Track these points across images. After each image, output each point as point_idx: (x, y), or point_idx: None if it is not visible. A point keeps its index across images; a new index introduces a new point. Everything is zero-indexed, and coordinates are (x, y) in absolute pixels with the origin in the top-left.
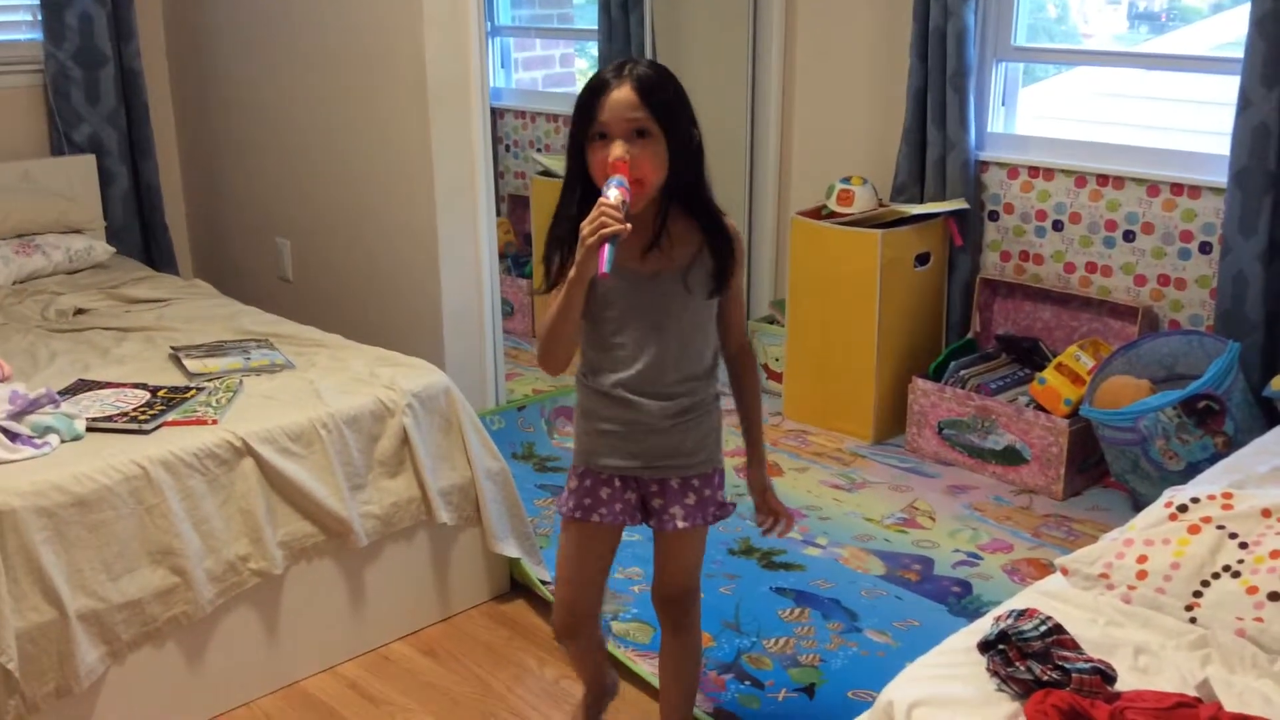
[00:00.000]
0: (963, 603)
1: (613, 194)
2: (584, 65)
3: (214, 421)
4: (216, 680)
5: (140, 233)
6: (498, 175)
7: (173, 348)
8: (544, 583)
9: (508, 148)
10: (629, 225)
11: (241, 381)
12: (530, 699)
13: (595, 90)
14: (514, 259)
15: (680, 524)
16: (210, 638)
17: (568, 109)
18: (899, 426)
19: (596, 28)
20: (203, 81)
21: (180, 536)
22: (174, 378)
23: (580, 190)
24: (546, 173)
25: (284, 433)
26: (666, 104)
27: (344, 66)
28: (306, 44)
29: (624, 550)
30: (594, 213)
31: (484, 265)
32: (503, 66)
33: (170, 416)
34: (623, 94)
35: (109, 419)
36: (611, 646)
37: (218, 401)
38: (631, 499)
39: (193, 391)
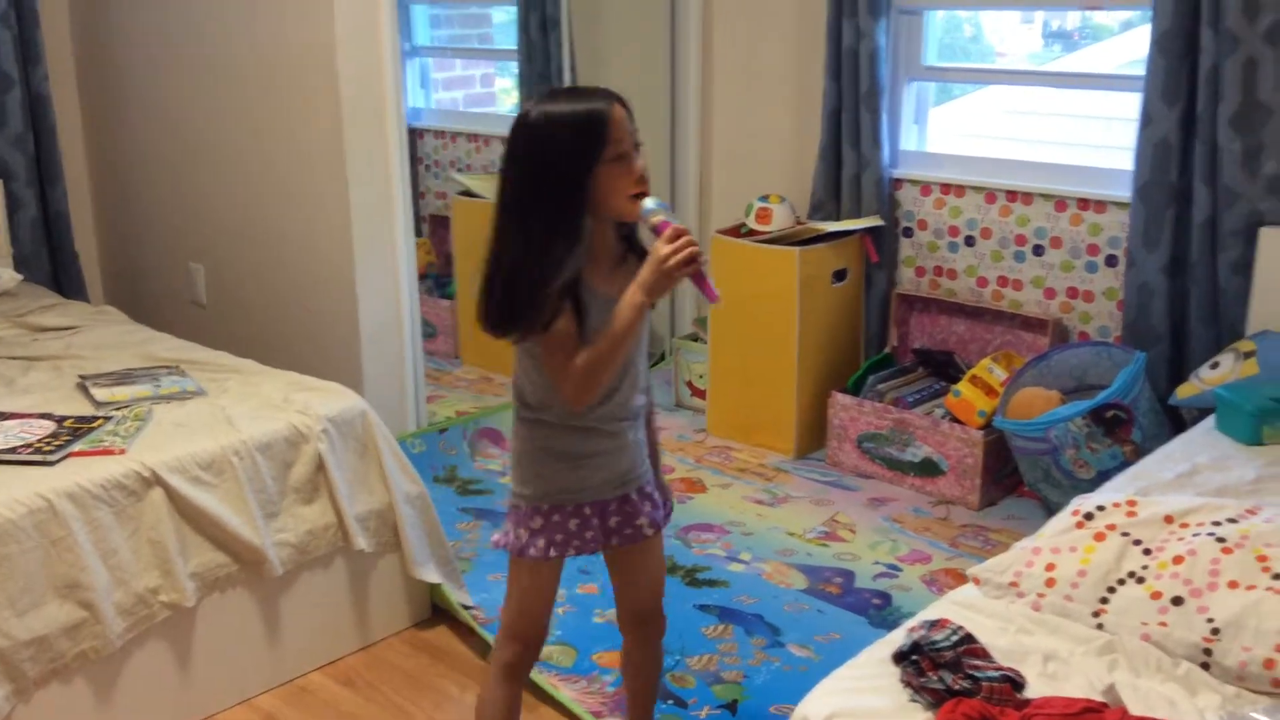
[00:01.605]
0: (883, 614)
1: (666, 216)
2: (506, 84)
3: (122, 451)
4: (127, 717)
5: (49, 259)
6: (418, 196)
7: (80, 376)
8: (466, 607)
9: (428, 168)
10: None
11: (151, 410)
12: None
13: (598, 111)
14: (435, 279)
15: (648, 531)
16: (120, 673)
17: (489, 129)
18: (820, 441)
19: (516, 48)
20: (113, 105)
21: (88, 570)
22: (81, 407)
23: (580, 216)
24: (467, 193)
25: (194, 461)
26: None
27: (256, 88)
28: (218, 67)
29: None
30: (672, 244)
31: (403, 287)
32: (422, 87)
33: (76, 447)
34: (621, 111)
35: (13, 450)
36: (532, 671)
37: (126, 431)
38: (598, 524)
39: (100, 421)
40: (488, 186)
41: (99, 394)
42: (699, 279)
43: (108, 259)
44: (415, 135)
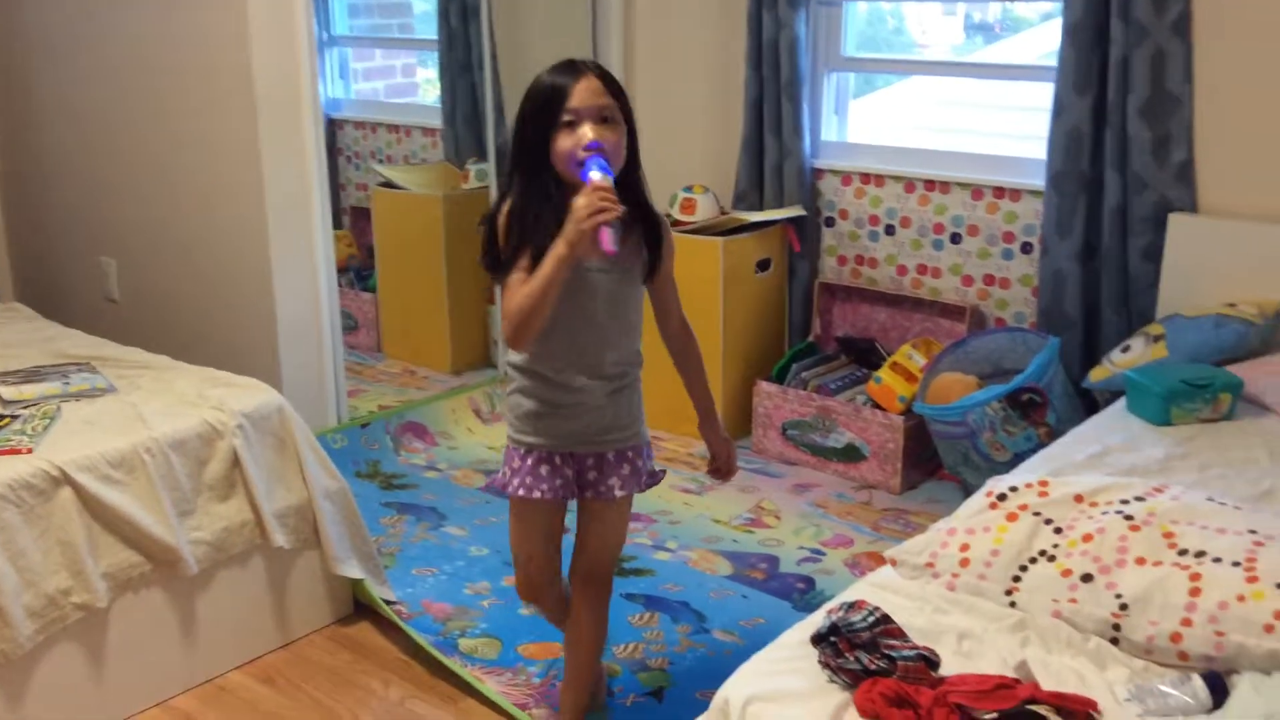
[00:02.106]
0: (806, 598)
1: (597, 175)
2: (429, 74)
3: (29, 450)
4: None
5: None
6: (338, 187)
7: None
8: (389, 603)
9: (349, 159)
10: (623, 207)
11: (60, 408)
12: None
13: (559, 84)
14: (356, 271)
15: (619, 492)
16: (31, 676)
17: (411, 119)
18: (746, 428)
19: (437, 38)
20: (20, 97)
21: None
22: None
23: (549, 178)
24: (389, 184)
25: (105, 460)
26: (621, 95)
27: (168, 79)
28: (128, 56)
29: (474, 565)
30: (588, 197)
31: (321, 279)
32: (341, 77)
33: None
34: (590, 83)
35: None
36: (456, 664)
37: (33, 429)
38: (569, 474)
39: (6, 420)
40: (409, 177)
41: (6, 392)
42: (602, 231)
43: (16, 255)
44: (335, 126)
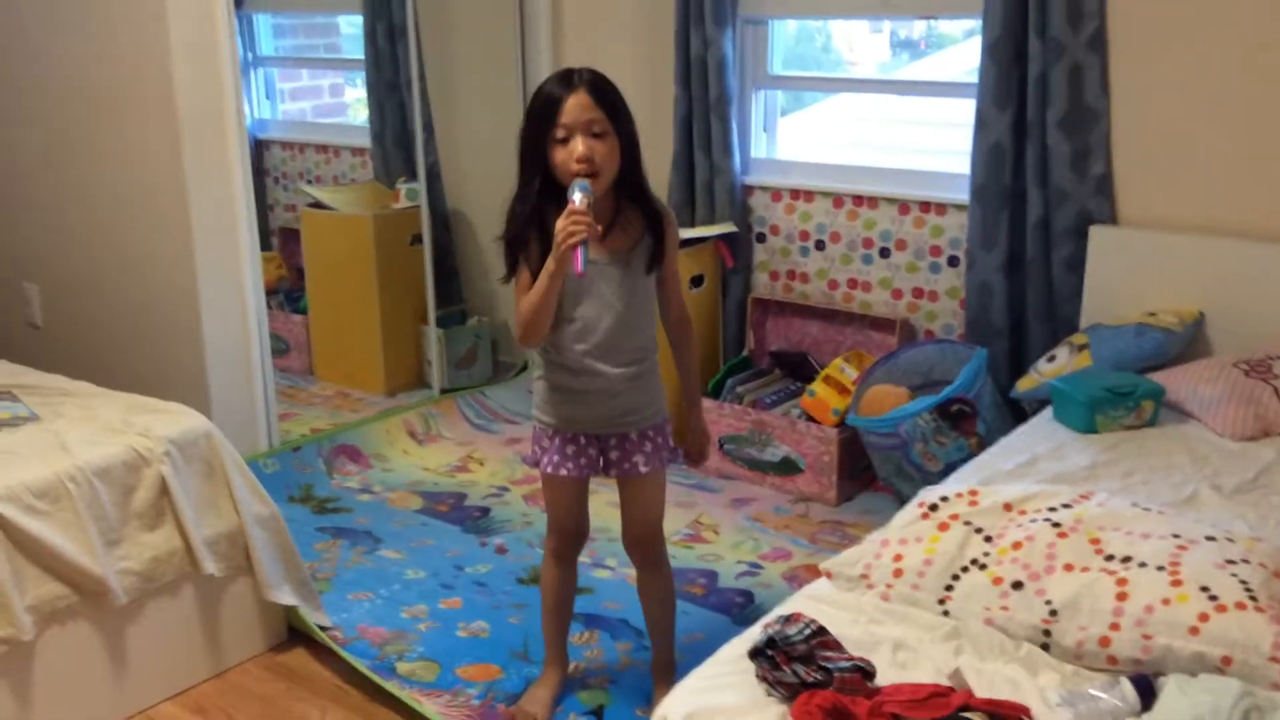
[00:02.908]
0: (745, 612)
1: (578, 198)
2: (358, 94)
3: None
4: None
5: None
6: (267, 209)
7: None
8: (324, 629)
9: (276, 180)
10: (599, 228)
11: None
12: None
13: (552, 97)
14: (287, 293)
15: (643, 469)
16: None
17: (339, 139)
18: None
19: (364, 57)
20: None
21: None
22: None
23: (540, 184)
24: (317, 204)
25: (27, 489)
26: (614, 104)
27: (90, 101)
28: (48, 77)
29: (410, 588)
30: (565, 220)
31: (249, 302)
32: (268, 98)
33: None
34: (580, 99)
35: None
36: (395, 687)
37: None
38: (593, 454)
39: None
40: (338, 198)
41: None
42: (575, 251)
43: None
44: (262, 147)
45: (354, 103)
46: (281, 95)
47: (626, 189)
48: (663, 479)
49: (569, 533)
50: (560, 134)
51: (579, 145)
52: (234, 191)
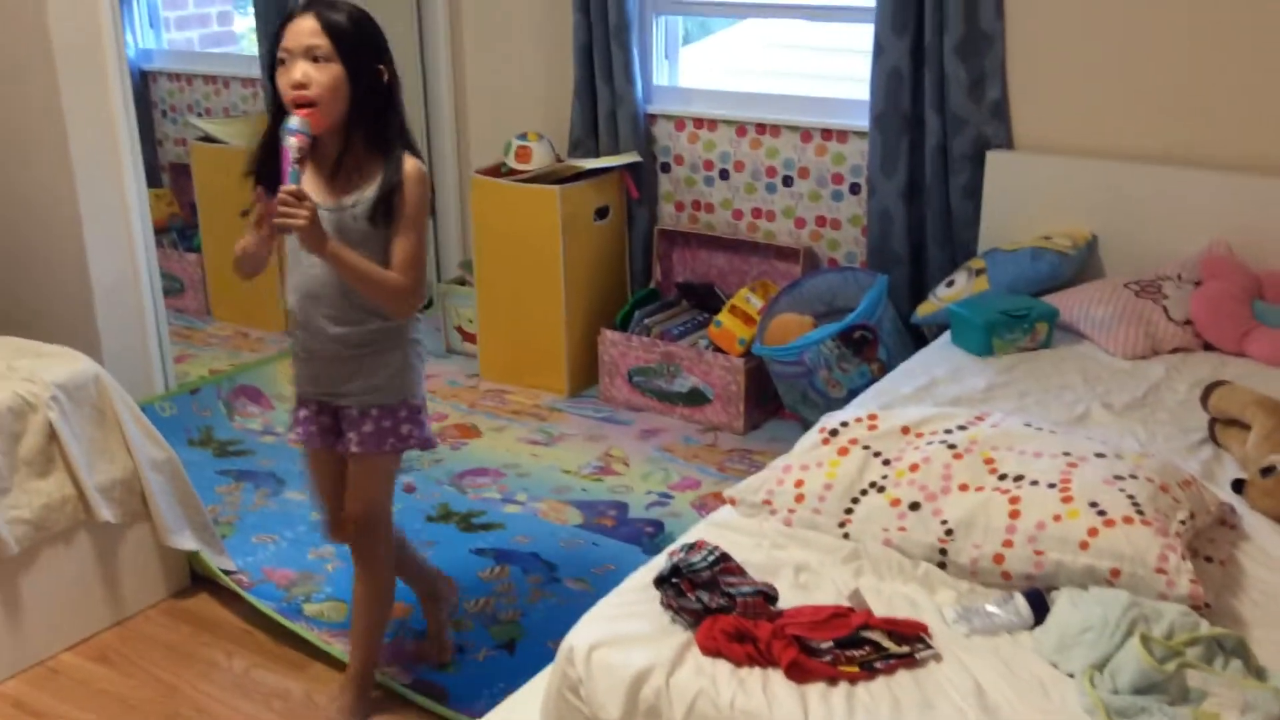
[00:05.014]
0: (655, 541)
1: (292, 142)
2: (249, 24)
3: None
4: None
5: None
6: (156, 143)
7: None
8: (228, 572)
9: (164, 113)
10: (305, 222)
11: None
12: (218, 694)
13: (283, 20)
14: (180, 231)
15: (355, 449)
16: None
17: (229, 70)
18: (593, 378)
19: None
20: None
21: None
22: None
23: (278, 114)
24: (207, 138)
25: None
26: (345, 33)
27: None
28: None
29: (315, 530)
30: (279, 203)
31: (137, 241)
32: (151, 26)
33: None
34: (305, 22)
35: None
36: (303, 629)
37: None
38: (326, 423)
39: None
40: (229, 130)
41: None
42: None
43: None
44: (148, 79)
45: (246, 32)
46: (166, 24)
47: (366, 134)
48: (382, 469)
49: (330, 515)
50: (281, 56)
51: (295, 70)
52: (115, 125)
